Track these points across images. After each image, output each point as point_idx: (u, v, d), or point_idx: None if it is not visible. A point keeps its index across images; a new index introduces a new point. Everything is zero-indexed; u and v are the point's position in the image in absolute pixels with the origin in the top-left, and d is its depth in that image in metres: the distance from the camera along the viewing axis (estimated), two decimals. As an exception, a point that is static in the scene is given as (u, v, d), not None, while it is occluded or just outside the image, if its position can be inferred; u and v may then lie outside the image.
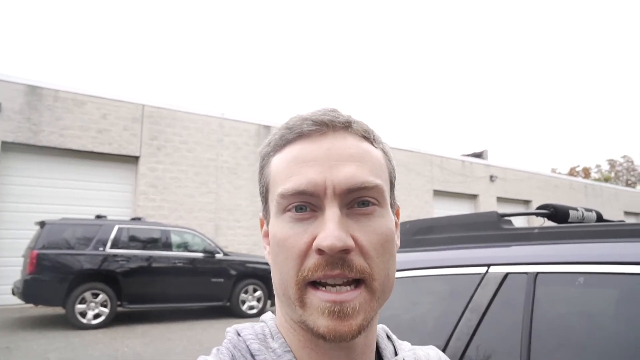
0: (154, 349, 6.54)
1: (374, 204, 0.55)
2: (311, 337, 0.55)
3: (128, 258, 8.48)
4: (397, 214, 0.66)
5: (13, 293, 8.29)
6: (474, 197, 19.18)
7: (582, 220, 1.75)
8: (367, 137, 0.59)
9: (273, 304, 9.76)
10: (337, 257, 0.51)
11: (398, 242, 0.63)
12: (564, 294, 1.35)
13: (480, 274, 1.49)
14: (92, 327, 7.84)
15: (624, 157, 47.51)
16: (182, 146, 12.79)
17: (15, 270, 9.77)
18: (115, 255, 8.35)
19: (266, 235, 0.62)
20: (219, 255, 9.35)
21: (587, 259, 1.26)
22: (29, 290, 7.80)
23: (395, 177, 0.64)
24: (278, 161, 0.58)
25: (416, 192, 17.26)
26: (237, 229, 13.12)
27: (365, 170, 0.55)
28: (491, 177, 19.65)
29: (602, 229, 1.34)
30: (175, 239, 9.34)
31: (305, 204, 0.54)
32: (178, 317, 8.89)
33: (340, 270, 0.51)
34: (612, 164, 48.00)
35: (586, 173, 45.66)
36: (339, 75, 77.14)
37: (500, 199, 19.86)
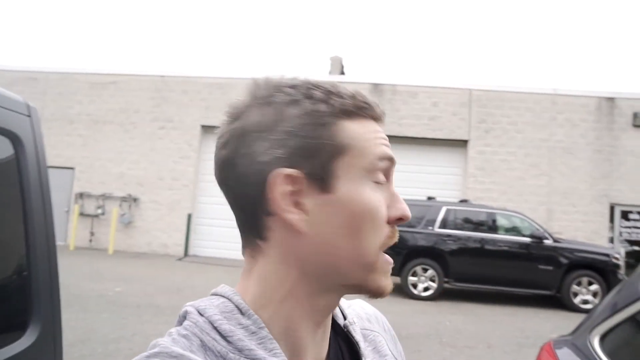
0: (474, 328, 6.78)
1: None
2: (322, 299, 0.57)
3: (455, 238, 8.93)
4: None
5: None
6: None
7: None
8: None
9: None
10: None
11: None
12: None
13: None
14: (422, 298, 8.66)
15: None
16: (510, 127, 12.46)
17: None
18: (443, 235, 8.93)
19: (295, 194, 0.54)
20: (547, 242, 8.82)
21: None
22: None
23: None
24: (356, 128, 0.56)
25: None
26: (573, 214, 11.98)
27: None
28: None
29: None
30: (501, 221, 9.30)
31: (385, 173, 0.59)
32: (502, 301, 8.86)
33: (396, 238, 0.59)
34: None
35: None
36: None
37: None
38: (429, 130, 12.57)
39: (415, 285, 8.80)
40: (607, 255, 8.83)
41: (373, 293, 0.57)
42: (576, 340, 1.95)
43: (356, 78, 12.92)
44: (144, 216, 13.09)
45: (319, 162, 0.55)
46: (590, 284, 8.54)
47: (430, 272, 8.79)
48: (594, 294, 8.48)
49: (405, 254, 8.88)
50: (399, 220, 0.58)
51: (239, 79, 13.14)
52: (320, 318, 0.58)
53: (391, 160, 0.59)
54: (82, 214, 13.00)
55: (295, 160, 0.54)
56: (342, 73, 14.33)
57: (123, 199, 13.07)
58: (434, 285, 8.75)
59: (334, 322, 0.65)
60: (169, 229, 12.92)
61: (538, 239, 8.84)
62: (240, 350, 0.52)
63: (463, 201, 9.98)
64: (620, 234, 12.00)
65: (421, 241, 8.95)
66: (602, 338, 1.85)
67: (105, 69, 13.96)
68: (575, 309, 8.34)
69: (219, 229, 12.82)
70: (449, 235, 8.94)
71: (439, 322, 6.93)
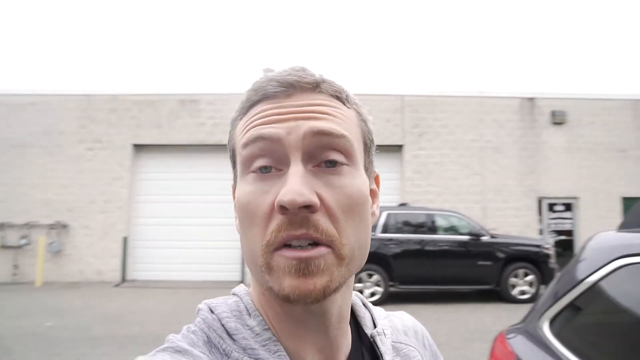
0: (422, 328, 6.86)
1: (342, 163, 0.52)
2: (282, 305, 0.53)
3: (397, 241, 9.06)
4: (376, 182, 0.64)
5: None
6: None
7: None
8: (339, 96, 0.56)
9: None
10: (302, 217, 0.48)
11: (377, 212, 0.61)
12: None
13: None
14: (373, 303, 8.66)
15: None
16: (442, 130, 12.90)
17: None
18: (385, 239, 9.04)
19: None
20: (485, 238, 9.15)
21: None
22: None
23: (372, 141, 0.61)
24: (242, 122, 0.55)
25: None
26: (505, 210, 12.54)
27: (332, 123, 0.52)
28: None
29: None
30: (440, 222, 9.53)
31: (268, 158, 0.51)
32: (446, 299, 9.08)
33: (305, 229, 0.48)
34: None
35: None
36: None
37: None
38: (365, 137, 12.75)
39: (361, 292, 8.83)
40: (538, 246, 9.28)
41: (280, 297, 0.50)
42: (527, 327, 1.99)
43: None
44: (75, 243, 12.35)
45: (233, 167, 0.58)
46: (526, 275, 8.92)
47: (376, 277, 8.86)
48: (530, 284, 8.89)
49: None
50: (281, 209, 0.48)
51: (170, 95, 12.80)
52: (308, 323, 0.54)
53: (264, 138, 0.51)
54: (3, 246, 12.07)
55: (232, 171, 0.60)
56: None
57: (51, 227, 12.27)
58: (380, 289, 8.82)
59: (362, 330, 0.63)
60: (104, 254, 12.26)
61: (476, 236, 9.15)
62: (244, 349, 0.52)
63: (402, 205, 10.17)
64: (548, 225, 12.69)
65: (365, 247, 9.00)
66: (551, 323, 1.90)
67: (22, 89, 13.13)
68: (513, 300, 8.70)
69: (159, 250, 12.34)
70: (391, 240, 9.06)
71: (388, 326, 6.97)
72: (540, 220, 12.70)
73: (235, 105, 0.59)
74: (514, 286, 8.90)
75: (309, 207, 0.48)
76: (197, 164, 12.72)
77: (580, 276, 1.87)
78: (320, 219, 0.49)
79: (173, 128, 12.62)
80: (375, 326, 0.64)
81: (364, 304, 0.67)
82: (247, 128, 0.53)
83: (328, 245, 0.49)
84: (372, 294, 8.82)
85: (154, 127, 12.68)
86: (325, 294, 0.49)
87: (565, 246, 12.36)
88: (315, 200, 0.48)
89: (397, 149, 12.97)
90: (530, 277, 8.90)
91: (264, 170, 0.51)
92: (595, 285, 1.75)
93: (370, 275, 8.88)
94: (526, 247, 9.26)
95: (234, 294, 0.60)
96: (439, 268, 8.96)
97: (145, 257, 12.44)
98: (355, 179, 0.53)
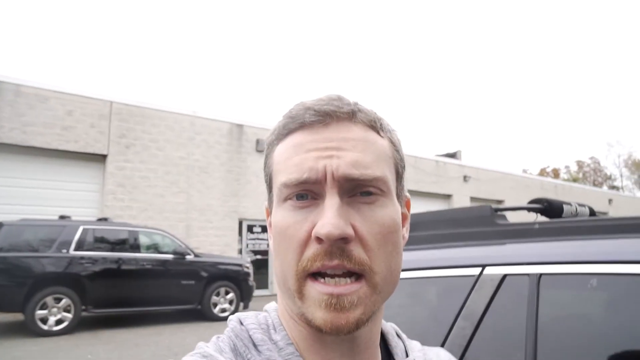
0: (120, 356, 6.23)
1: (376, 194, 0.54)
2: (311, 329, 0.54)
3: (93, 260, 8.09)
4: (407, 206, 0.64)
5: (-31, 298, 7.81)
6: (447, 197, 19.26)
7: (575, 215, 1.63)
8: (374, 126, 0.57)
9: (246, 307, 9.49)
10: (336, 247, 0.50)
11: (407, 235, 0.62)
12: (574, 298, 1.18)
13: (473, 275, 1.32)
14: (54, 333, 7.42)
15: (591, 158, 49.09)
16: (151, 144, 12.39)
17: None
18: (79, 258, 7.96)
19: (271, 225, 0.60)
20: (189, 257, 9.04)
21: (602, 257, 1.09)
22: (-15, 295, 7.35)
23: (403, 168, 0.62)
24: (280, 150, 0.57)
25: (391, 192, 17.19)
26: (208, 230, 12.79)
27: (366, 160, 0.53)
28: (465, 177, 19.75)
29: (615, 224, 1.18)
30: (143, 240, 8.99)
31: (307, 192, 0.53)
32: (146, 322, 8.56)
33: (339, 260, 0.50)
34: (580, 165, 49.40)
35: (555, 174, 46.79)
36: (311, 72, 76.77)
37: (474, 199, 20.00)
38: (62, 142, 11.19)
39: (45, 320, 7.49)
40: (239, 265, 9.71)
41: (312, 327, 0.52)
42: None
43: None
44: None
45: (269, 190, 0.61)
46: (227, 293, 9.18)
47: (65, 301, 7.67)
48: (230, 302, 9.19)
49: (31, 285, 7.48)
50: (317, 239, 0.50)
51: None
52: (335, 347, 0.55)
53: (303, 183, 0.52)
54: None
55: (267, 193, 0.63)
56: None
57: None
58: (69, 316, 7.66)
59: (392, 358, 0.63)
60: None
61: (180, 255, 8.96)
62: None
63: (102, 220, 9.22)
64: (247, 245, 13.51)
65: (51, 267, 7.72)
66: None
67: None
68: (215, 318, 8.82)
69: None
70: (84, 258, 8.02)
71: (80, 357, 6.05)
72: (241, 241, 13.42)
73: None
74: (215, 304, 9.02)
75: (344, 239, 0.50)
76: None
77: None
78: (354, 249, 0.51)
79: None
80: (407, 355, 0.64)
81: (397, 335, 0.67)
82: (288, 166, 0.54)
83: (361, 274, 0.51)
84: (59, 322, 7.58)
85: None
86: (359, 325, 0.51)
87: (260, 265, 13.35)
88: (350, 232, 0.50)
89: (100, 158, 11.82)
90: (230, 295, 9.19)
91: (300, 198, 0.53)
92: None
93: (58, 300, 7.63)
94: (228, 266, 9.55)
95: (265, 311, 0.62)
96: (139, 289, 8.39)
97: None
98: (387, 208, 0.54)
